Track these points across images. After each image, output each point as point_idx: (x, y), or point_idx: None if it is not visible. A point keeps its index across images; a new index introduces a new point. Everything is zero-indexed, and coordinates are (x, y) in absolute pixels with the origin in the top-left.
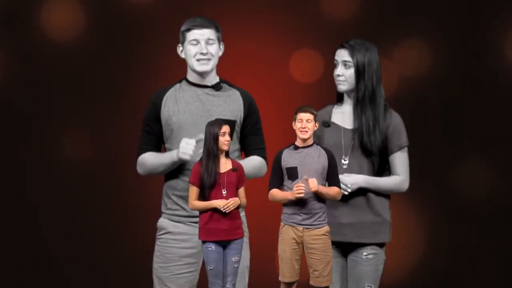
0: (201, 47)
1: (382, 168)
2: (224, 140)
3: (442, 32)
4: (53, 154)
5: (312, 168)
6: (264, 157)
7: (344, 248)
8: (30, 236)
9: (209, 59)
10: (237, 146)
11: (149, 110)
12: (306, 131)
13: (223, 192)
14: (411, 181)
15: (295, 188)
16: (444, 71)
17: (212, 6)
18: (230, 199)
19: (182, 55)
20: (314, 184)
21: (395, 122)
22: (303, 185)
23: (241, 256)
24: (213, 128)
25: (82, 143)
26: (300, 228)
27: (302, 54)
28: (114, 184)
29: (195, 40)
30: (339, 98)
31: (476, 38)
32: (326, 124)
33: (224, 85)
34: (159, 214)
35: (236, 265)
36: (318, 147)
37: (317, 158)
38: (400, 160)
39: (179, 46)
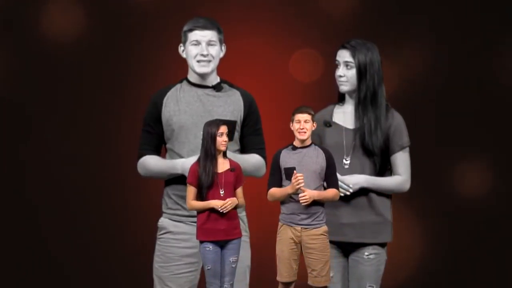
0: (201, 48)
1: (384, 168)
2: (221, 141)
3: (442, 32)
4: (53, 154)
5: (310, 168)
6: (264, 157)
7: (346, 248)
8: (30, 236)
9: (209, 61)
10: (237, 146)
11: (150, 110)
12: (305, 132)
13: (221, 192)
14: (411, 181)
15: (293, 180)
16: (444, 71)
17: (212, 6)
18: (228, 199)
19: (184, 55)
20: (311, 195)
21: (397, 122)
22: (301, 174)
23: (242, 256)
24: (211, 128)
25: (82, 143)
26: (298, 228)
27: (302, 54)
28: (114, 184)
29: (196, 41)
30: (340, 98)
31: (477, 38)
32: (328, 124)
33: (225, 86)
34: (159, 214)
35: (234, 265)
36: (316, 147)
37: (315, 158)
38: (401, 160)
39: (180, 46)
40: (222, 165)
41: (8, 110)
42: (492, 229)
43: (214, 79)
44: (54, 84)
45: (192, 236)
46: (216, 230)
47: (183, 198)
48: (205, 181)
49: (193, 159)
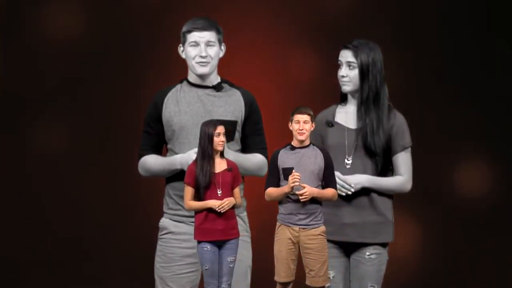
0: (200, 49)
1: (386, 168)
2: (218, 141)
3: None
4: (53, 154)
5: (308, 169)
6: (266, 157)
7: (347, 248)
8: (30, 236)
9: (208, 62)
10: (238, 146)
11: (150, 111)
12: (304, 133)
13: (218, 192)
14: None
15: (290, 178)
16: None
17: (212, 6)
18: (225, 199)
19: (183, 56)
20: (310, 191)
21: (399, 122)
22: (298, 174)
23: (243, 255)
24: (208, 128)
25: (82, 143)
26: (297, 228)
27: (302, 54)
28: (115, 184)
29: (194, 42)
30: (343, 98)
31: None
32: (330, 124)
33: (225, 85)
34: (160, 214)
35: (231, 265)
36: (315, 147)
37: (314, 158)
38: (403, 160)
39: (180, 47)
40: (219, 165)
41: (8, 110)
42: (492, 229)
43: (215, 79)
44: (54, 84)
45: (193, 237)
46: (213, 230)
47: None
48: (202, 181)
49: (191, 154)
